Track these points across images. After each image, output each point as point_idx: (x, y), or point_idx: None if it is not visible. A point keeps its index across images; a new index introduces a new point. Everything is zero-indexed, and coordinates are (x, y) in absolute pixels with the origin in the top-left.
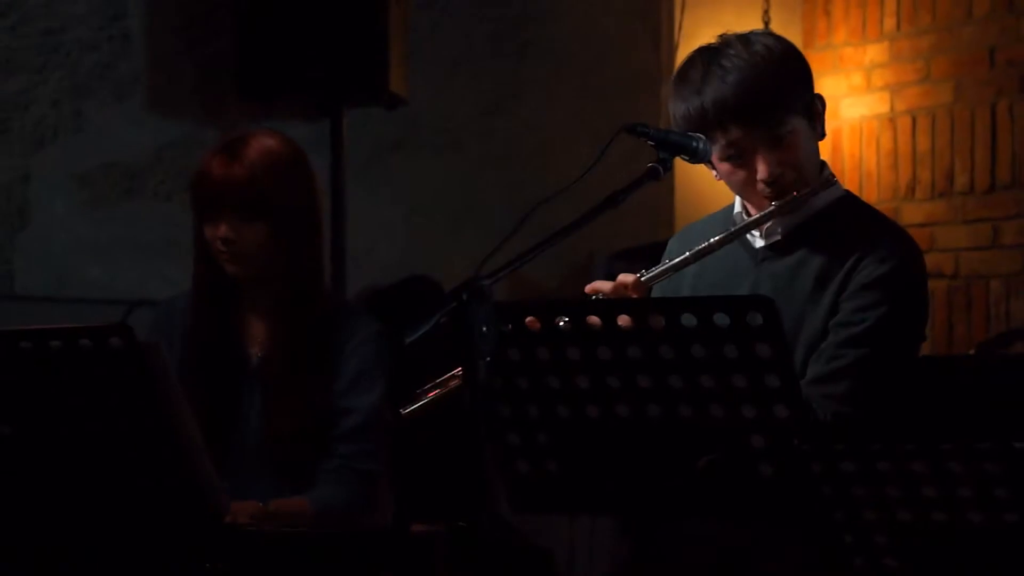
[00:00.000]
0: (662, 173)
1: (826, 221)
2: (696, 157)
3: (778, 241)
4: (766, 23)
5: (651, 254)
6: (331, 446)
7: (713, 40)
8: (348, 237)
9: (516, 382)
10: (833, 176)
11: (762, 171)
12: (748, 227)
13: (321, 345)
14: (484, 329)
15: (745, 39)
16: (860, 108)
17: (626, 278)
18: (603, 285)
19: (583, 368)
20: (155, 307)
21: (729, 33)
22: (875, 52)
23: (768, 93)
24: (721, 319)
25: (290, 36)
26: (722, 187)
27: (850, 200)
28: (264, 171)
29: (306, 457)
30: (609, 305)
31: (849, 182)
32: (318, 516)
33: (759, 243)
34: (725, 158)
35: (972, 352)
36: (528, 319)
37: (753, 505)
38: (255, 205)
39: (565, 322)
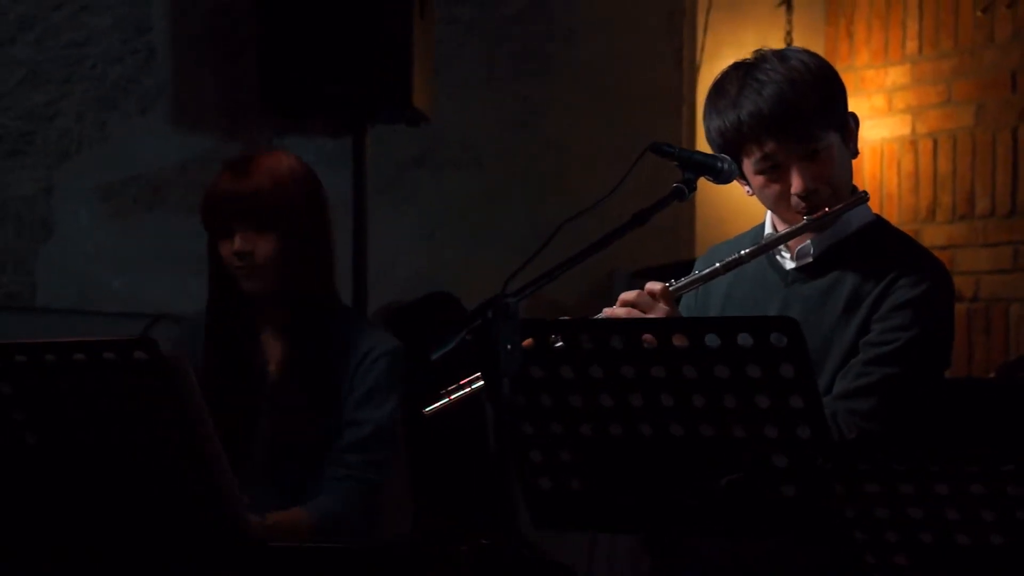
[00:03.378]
0: (687, 193)
1: (858, 244)
2: (721, 178)
3: (809, 263)
4: (788, 44)
5: (672, 273)
6: (337, 456)
7: (737, 60)
8: (370, 253)
9: (540, 400)
10: (865, 193)
11: (796, 185)
12: (780, 240)
13: (336, 362)
14: (509, 347)
15: (781, 54)
16: (881, 130)
17: (654, 286)
18: (629, 294)
19: (606, 386)
20: (179, 324)
21: (765, 48)
22: (897, 74)
23: (804, 107)
24: (745, 339)
25: (314, 51)
26: (743, 207)
27: (881, 224)
28: (271, 183)
29: (309, 472)
30: (633, 324)
31: (870, 204)
32: (316, 526)
33: (789, 264)
34: (760, 172)
35: (992, 375)
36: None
37: (775, 524)
38: (264, 215)
39: (587, 340)
